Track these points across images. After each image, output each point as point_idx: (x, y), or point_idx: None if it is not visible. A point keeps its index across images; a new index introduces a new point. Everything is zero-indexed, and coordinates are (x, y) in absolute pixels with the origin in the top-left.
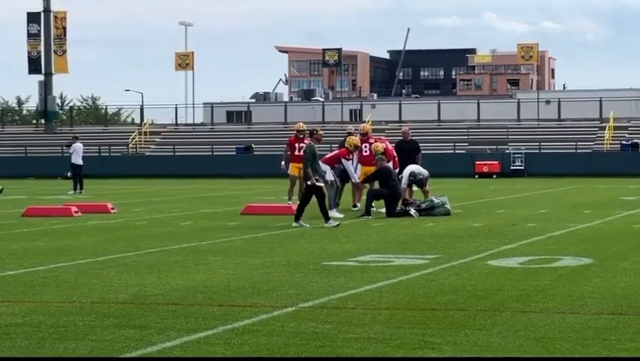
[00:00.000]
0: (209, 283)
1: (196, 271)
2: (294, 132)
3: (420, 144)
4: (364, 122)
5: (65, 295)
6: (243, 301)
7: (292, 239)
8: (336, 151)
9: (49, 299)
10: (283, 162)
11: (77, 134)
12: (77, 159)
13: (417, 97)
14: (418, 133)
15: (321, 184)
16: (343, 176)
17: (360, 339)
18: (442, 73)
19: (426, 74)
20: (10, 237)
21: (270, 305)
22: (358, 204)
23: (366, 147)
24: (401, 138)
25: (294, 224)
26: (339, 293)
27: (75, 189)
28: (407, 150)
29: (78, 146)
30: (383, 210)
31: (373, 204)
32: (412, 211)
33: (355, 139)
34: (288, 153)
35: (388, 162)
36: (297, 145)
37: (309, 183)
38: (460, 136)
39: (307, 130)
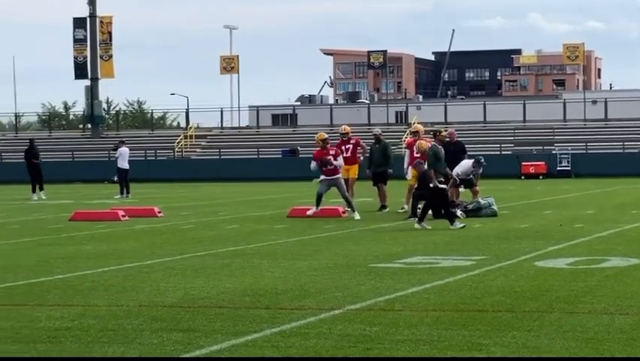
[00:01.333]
0: (256, 286)
1: (243, 274)
2: (339, 135)
3: (466, 146)
4: (410, 123)
5: (113, 298)
6: (290, 304)
7: (339, 241)
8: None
9: (98, 303)
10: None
11: (123, 139)
12: (124, 163)
13: (462, 98)
14: (463, 134)
15: (444, 186)
16: (377, 177)
17: (408, 341)
18: (487, 74)
19: (471, 75)
20: (58, 241)
21: (318, 308)
22: (405, 206)
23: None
24: (447, 139)
25: (417, 226)
26: (386, 295)
27: (122, 193)
28: (453, 152)
29: (124, 150)
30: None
31: (420, 206)
32: (459, 212)
33: (321, 134)
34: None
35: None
36: (343, 148)
37: (431, 185)
38: (506, 137)
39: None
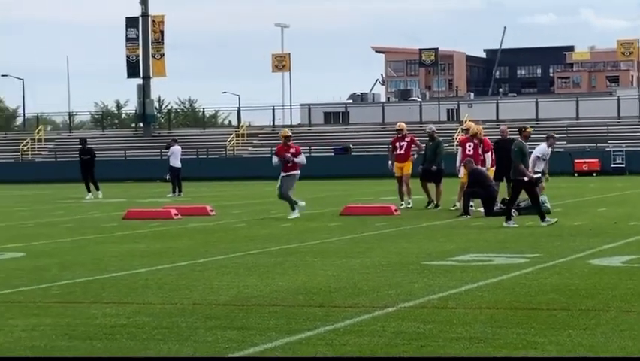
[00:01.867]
0: (309, 284)
1: (296, 272)
2: (395, 132)
3: None
4: (461, 121)
5: (167, 296)
6: (343, 302)
7: (392, 239)
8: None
9: (152, 301)
10: (390, 162)
11: (176, 137)
12: (175, 162)
13: (514, 96)
14: (515, 132)
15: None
16: (426, 175)
17: (462, 339)
18: (539, 71)
19: (523, 72)
20: (111, 240)
21: (371, 306)
22: (457, 204)
23: (470, 145)
24: (499, 136)
25: (505, 224)
26: (439, 293)
27: (174, 191)
28: (505, 149)
29: (176, 149)
30: (482, 209)
31: (472, 204)
32: (512, 211)
33: (285, 131)
34: (394, 153)
35: (486, 151)
36: (397, 145)
37: (525, 178)
38: (558, 134)
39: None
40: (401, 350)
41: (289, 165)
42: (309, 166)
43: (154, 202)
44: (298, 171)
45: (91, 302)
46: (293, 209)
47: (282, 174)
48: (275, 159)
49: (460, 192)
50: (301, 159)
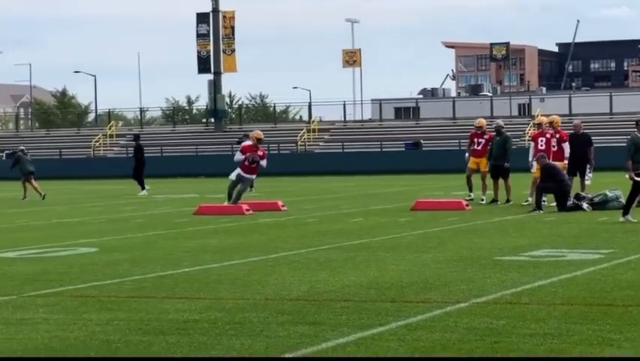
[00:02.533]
0: (381, 280)
1: (368, 267)
2: (474, 128)
3: (591, 138)
4: (534, 116)
5: (239, 291)
6: (415, 297)
7: (463, 234)
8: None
9: (224, 296)
10: (467, 154)
11: (247, 133)
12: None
13: (587, 90)
14: (589, 126)
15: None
16: (495, 170)
17: (535, 335)
18: (613, 65)
19: (596, 66)
20: (183, 235)
21: (443, 301)
22: (530, 199)
23: (542, 140)
24: (572, 131)
25: (621, 219)
26: (512, 288)
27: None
28: (579, 144)
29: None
30: (554, 204)
31: (544, 199)
32: (585, 205)
33: (258, 133)
34: (471, 148)
35: (563, 142)
36: (475, 140)
37: (627, 176)
38: (632, 129)
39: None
40: (474, 346)
41: (252, 165)
42: (379, 161)
43: (225, 198)
44: (255, 176)
45: (163, 297)
46: (228, 200)
47: (241, 172)
48: (240, 156)
49: (532, 187)
50: (264, 163)
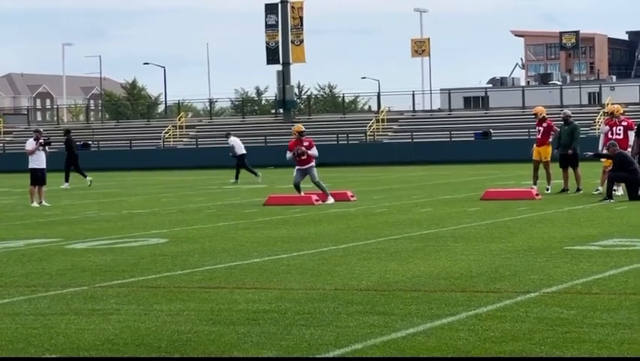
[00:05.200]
0: (450, 269)
1: (437, 257)
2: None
3: None
4: (604, 104)
5: (309, 282)
6: (485, 287)
7: (533, 224)
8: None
9: (294, 286)
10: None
11: (230, 132)
12: (241, 150)
13: None
14: None
15: None
16: (563, 159)
17: (606, 325)
18: None
19: None
20: (253, 225)
21: (513, 291)
22: (600, 188)
23: (619, 129)
24: None
25: None
26: (582, 278)
27: (237, 178)
28: None
29: (235, 139)
30: (619, 193)
31: (616, 188)
32: None
33: (298, 126)
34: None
35: (630, 129)
36: (537, 128)
37: None
38: None
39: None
40: (544, 336)
41: (303, 157)
42: (449, 151)
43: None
44: (313, 163)
45: (233, 288)
46: (327, 194)
47: (297, 167)
48: (288, 154)
49: (602, 176)
50: (314, 151)
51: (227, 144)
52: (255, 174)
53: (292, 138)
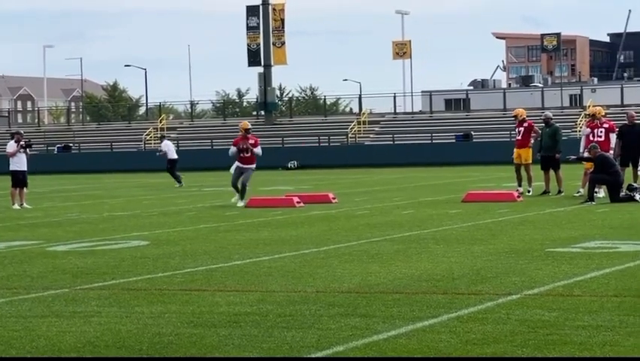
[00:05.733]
0: (432, 272)
1: (419, 259)
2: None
3: None
4: (586, 106)
5: (290, 284)
6: (466, 289)
7: (514, 226)
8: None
9: (275, 289)
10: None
11: (164, 134)
12: (173, 155)
13: (639, 80)
14: None
15: None
16: (545, 161)
17: (588, 327)
18: None
19: None
20: (234, 227)
21: (495, 293)
22: (581, 190)
23: (601, 131)
24: (625, 122)
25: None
26: (564, 280)
27: (180, 182)
28: (632, 134)
29: (169, 143)
30: (601, 195)
31: (597, 190)
32: (638, 196)
33: (244, 123)
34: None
35: (611, 131)
36: (516, 130)
37: None
38: None
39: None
40: (526, 338)
41: (246, 155)
42: (430, 153)
43: (276, 190)
44: (254, 166)
45: (215, 290)
46: (242, 198)
47: (238, 164)
48: (233, 149)
49: (584, 179)
50: (258, 150)
51: (160, 147)
52: (179, 181)
53: (239, 135)
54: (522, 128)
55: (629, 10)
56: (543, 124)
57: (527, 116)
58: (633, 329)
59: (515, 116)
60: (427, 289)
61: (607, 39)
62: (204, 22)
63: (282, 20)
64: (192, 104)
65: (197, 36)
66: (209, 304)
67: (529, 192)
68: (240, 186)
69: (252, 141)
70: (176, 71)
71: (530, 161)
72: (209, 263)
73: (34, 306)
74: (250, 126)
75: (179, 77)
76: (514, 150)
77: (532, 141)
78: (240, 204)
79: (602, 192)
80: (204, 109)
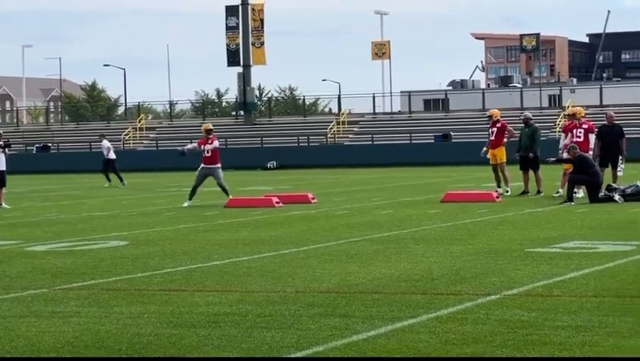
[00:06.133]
0: (411, 272)
1: (398, 259)
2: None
3: (623, 129)
4: (565, 107)
5: (270, 284)
6: (445, 289)
7: (493, 226)
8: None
9: (255, 289)
10: (484, 148)
11: (104, 133)
12: (111, 154)
13: (618, 80)
14: (620, 117)
15: None
16: (523, 161)
17: (567, 327)
18: None
19: (627, 56)
20: (214, 227)
21: (474, 293)
22: (560, 190)
23: (580, 132)
24: (604, 122)
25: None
26: (543, 280)
27: (122, 180)
28: (611, 135)
29: (107, 143)
30: (580, 195)
31: (576, 190)
32: (617, 197)
33: (206, 125)
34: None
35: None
36: (490, 130)
37: None
38: None
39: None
40: (505, 338)
41: (207, 155)
42: (409, 153)
43: (255, 190)
44: (219, 164)
45: (194, 290)
46: (190, 198)
47: (202, 165)
48: (194, 145)
49: (563, 179)
50: (215, 143)
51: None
52: (122, 180)
53: (201, 137)
54: (495, 129)
55: (608, 11)
56: (522, 124)
57: (506, 117)
58: (612, 329)
59: (490, 117)
60: (406, 290)
61: (586, 39)
62: (183, 22)
63: (262, 20)
64: (171, 104)
65: (176, 36)
66: (188, 304)
67: (507, 192)
68: (220, 188)
69: (215, 143)
70: (155, 70)
71: (504, 160)
72: (189, 263)
73: (13, 306)
74: (212, 127)
75: (158, 77)
76: (485, 148)
77: (505, 141)
78: (185, 204)
79: (581, 193)
80: (183, 109)
